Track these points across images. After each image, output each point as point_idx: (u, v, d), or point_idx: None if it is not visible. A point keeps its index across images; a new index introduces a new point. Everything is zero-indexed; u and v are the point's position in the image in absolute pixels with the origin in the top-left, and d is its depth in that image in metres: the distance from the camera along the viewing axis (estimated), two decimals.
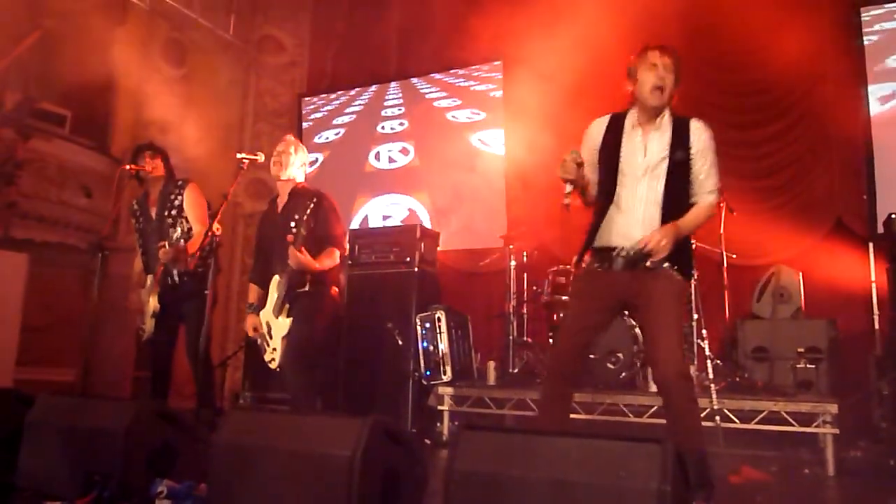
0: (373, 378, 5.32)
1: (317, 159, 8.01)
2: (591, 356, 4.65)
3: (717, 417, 4.14)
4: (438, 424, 5.00)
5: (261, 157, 4.08)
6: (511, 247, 5.69)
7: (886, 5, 5.71)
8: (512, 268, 5.64)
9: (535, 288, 5.65)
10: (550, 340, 5.25)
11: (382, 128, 8.03)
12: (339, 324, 5.30)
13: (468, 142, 7.31)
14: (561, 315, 5.26)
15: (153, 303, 4.25)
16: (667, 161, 2.90)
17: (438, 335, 5.10)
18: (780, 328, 5.06)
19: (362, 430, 2.18)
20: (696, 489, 2.66)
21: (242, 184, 7.59)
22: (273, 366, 3.89)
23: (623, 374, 4.76)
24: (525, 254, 5.77)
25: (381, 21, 7.94)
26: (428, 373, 5.09)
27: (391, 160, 7.87)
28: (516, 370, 5.34)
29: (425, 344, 5.14)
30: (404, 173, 7.71)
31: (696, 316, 4.69)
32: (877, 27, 5.75)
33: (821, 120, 5.67)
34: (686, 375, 2.83)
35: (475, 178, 7.04)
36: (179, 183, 4.42)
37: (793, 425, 4.09)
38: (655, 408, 4.39)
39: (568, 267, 5.39)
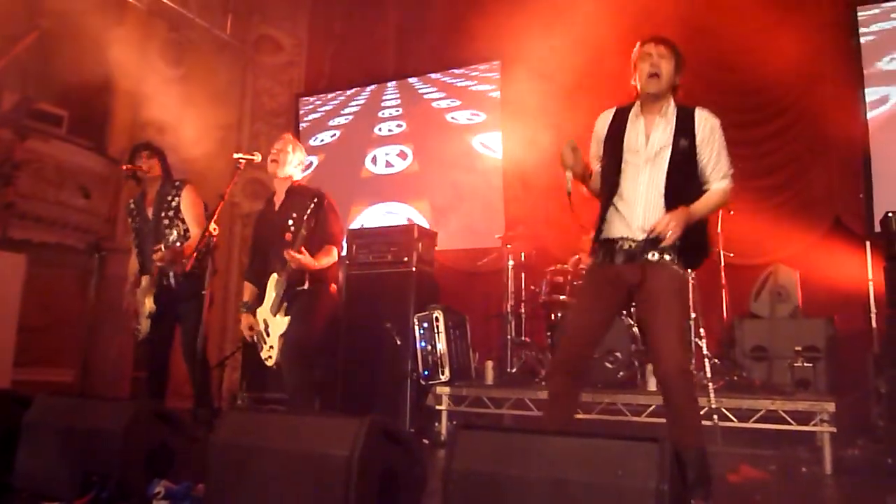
0: (371, 378, 5.32)
1: (311, 163, 7.88)
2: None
3: (715, 416, 4.15)
4: (437, 424, 5.00)
5: (257, 157, 4.07)
6: (509, 246, 5.69)
7: (882, 4, 5.72)
8: (510, 267, 5.65)
9: (532, 287, 5.65)
10: (549, 340, 5.25)
11: (380, 129, 7.92)
12: (338, 323, 5.30)
13: (469, 145, 7.21)
14: (558, 315, 5.27)
15: (149, 303, 4.25)
16: (669, 149, 2.89)
17: (436, 335, 5.10)
18: (778, 327, 5.06)
19: (360, 430, 2.18)
20: (695, 487, 2.66)
21: (240, 184, 7.58)
22: (270, 363, 3.89)
23: (621, 373, 4.76)
24: (523, 254, 5.77)
25: (379, 21, 7.94)
26: (426, 372, 5.09)
27: (388, 164, 7.74)
28: (514, 370, 5.34)
29: (423, 344, 5.14)
30: (403, 180, 7.59)
31: (693, 315, 4.69)
32: (874, 27, 5.76)
33: (818, 119, 5.67)
34: (686, 372, 2.82)
35: (473, 177, 7.03)
36: (177, 184, 4.41)
37: (791, 424, 4.09)
38: (654, 407, 4.39)
39: (566, 266, 5.40)
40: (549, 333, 5.29)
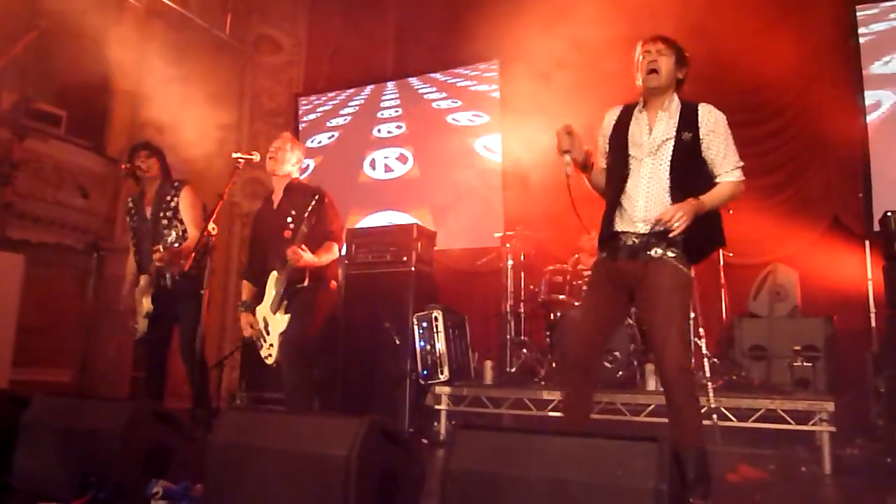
0: (370, 378, 5.32)
1: (308, 166, 7.79)
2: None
3: (714, 416, 4.15)
4: (436, 424, 5.00)
5: (256, 157, 4.07)
6: (508, 246, 5.69)
7: (881, 4, 5.71)
8: (509, 267, 5.64)
9: (532, 287, 5.65)
10: (548, 340, 5.25)
11: (379, 131, 7.81)
12: (338, 321, 5.30)
13: (472, 148, 7.10)
14: (558, 314, 5.27)
15: (146, 303, 4.25)
16: (672, 141, 2.92)
17: (435, 335, 5.10)
18: (776, 326, 5.06)
19: (359, 429, 2.18)
20: (694, 486, 2.67)
21: (239, 183, 7.58)
22: (269, 362, 3.89)
23: (620, 372, 4.76)
24: (522, 253, 5.77)
25: (378, 20, 7.93)
26: (425, 372, 5.09)
27: (388, 169, 7.58)
28: (513, 369, 5.34)
29: (422, 343, 5.14)
30: (402, 186, 7.45)
31: (692, 314, 4.69)
32: (873, 27, 5.75)
33: (817, 118, 5.67)
34: (686, 370, 2.83)
35: (472, 177, 7.02)
36: (176, 184, 4.41)
37: (790, 423, 4.09)
38: (653, 406, 4.40)
39: (565, 266, 5.40)
40: (548, 333, 5.29)
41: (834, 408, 3.99)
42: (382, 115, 7.86)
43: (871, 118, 5.62)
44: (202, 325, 3.86)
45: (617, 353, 4.74)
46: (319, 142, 8.14)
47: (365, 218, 7.51)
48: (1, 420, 2.88)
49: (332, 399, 5.36)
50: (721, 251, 4.96)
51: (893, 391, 4.00)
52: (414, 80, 7.77)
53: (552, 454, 1.99)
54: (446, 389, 5.02)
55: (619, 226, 2.97)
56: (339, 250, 4.14)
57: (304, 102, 8.35)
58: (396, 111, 7.79)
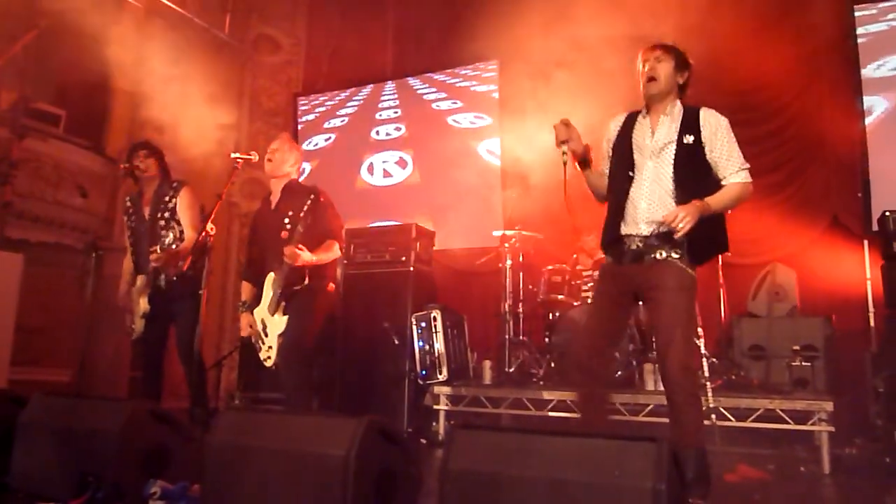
0: (369, 378, 5.32)
1: (304, 170, 7.68)
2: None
3: (713, 416, 4.15)
4: (434, 424, 5.00)
5: (255, 157, 4.07)
6: (507, 246, 5.68)
7: (879, 4, 5.71)
8: (508, 267, 5.64)
9: (531, 287, 5.65)
10: (547, 339, 5.25)
11: (377, 133, 7.68)
12: (336, 322, 5.29)
13: (474, 151, 6.97)
14: (557, 314, 5.28)
15: (143, 303, 4.24)
16: (674, 144, 2.95)
17: (434, 335, 5.10)
18: (775, 326, 5.06)
19: (357, 429, 2.18)
20: (694, 486, 2.67)
21: (237, 184, 7.57)
22: (268, 364, 3.88)
23: (619, 372, 4.76)
24: (521, 253, 5.76)
25: (377, 20, 7.93)
26: (424, 372, 5.09)
27: (386, 174, 7.43)
28: (512, 369, 5.33)
29: (421, 343, 5.14)
30: (402, 193, 7.28)
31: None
32: (869, 28, 5.75)
33: (816, 118, 5.68)
34: (688, 369, 2.83)
35: (471, 176, 7.01)
36: (174, 185, 4.40)
37: (789, 423, 4.09)
38: (651, 406, 4.39)
39: (564, 266, 5.40)
40: (547, 333, 5.30)
41: (833, 407, 3.99)
42: (381, 116, 7.77)
43: (868, 120, 5.62)
44: (200, 326, 3.84)
45: (616, 353, 4.74)
46: (316, 144, 8.05)
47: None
48: None
49: (330, 399, 5.35)
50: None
51: (892, 391, 3.99)
52: (413, 80, 7.72)
53: (551, 454, 1.98)
54: (445, 389, 5.02)
55: (623, 229, 2.99)
56: (340, 249, 4.12)
57: (303, 102, 8.34)
58: (395, 112, 7.70)
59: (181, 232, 4.23)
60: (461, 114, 7.27)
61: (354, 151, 7.72)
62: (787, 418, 4.10)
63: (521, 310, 5.73)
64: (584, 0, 5.50)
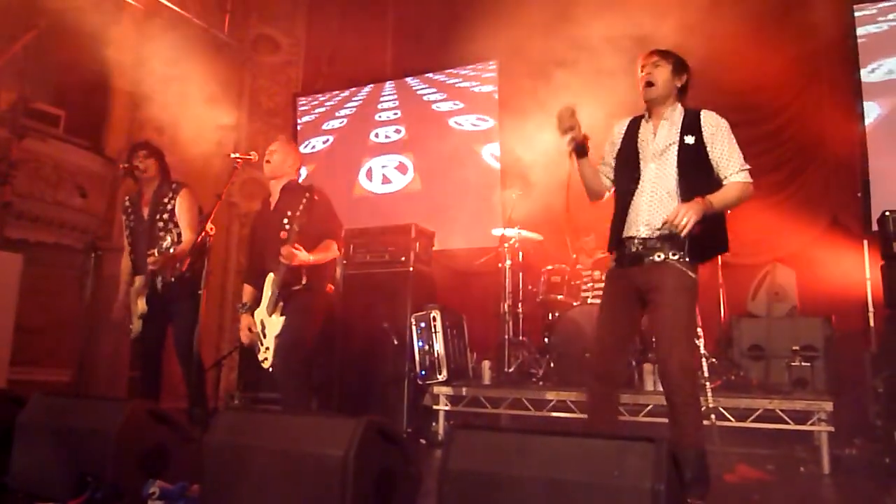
0: (368, 378, 5.32)
1: (301, 174, 7.49)
2: (587, 355, 4.64)
3: (713, 416, 4.14)
4: (434, 424, 4.99)
5: (254, 157, 4.07)
6: (506, 246, 5.68)
7: (879, 4, 5.71)
8: (507, 267, 5.64)
9: (530, 287, 5.65)
10: (546, 340, 5.25)
11: (377, 135, 7.57)
12: (335, 323, 5.29)
13: (478, 155, 6.85)
14: (556, 314, 5.28)
15: (141, 304, 4.25)
16: (676, 145, 3.00)
17: (434, 335, 5.10)
18: (775, 326, 5.06)
19: (356, 430, 2.18)
20: (692, 486, 2.67)
21: (237, 184, 7.56)
22: (266, 365, 3.87)
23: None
24: (521, 253, 5.76)
25: (376, 20, 7.93)
26: (423, 372, 5.08)
27: (386, 180, 7.27)
28: (511, 370, 5.33)
29: (421, 343, 5.13)
30: (403, 200, 7.11)
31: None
32: (869, 29, 5.75)
33: (815, 118, 5.68)
34: (687, 369, 2.86)
35: (471, 176, 7.00)
36: (174, 186, 4.40)
37: (788, 423, 4.09)
38: (651, 406, 4.39)
39: (563, 266, 5.40)
40: (546, 333, 5.29)
41: (832, 408, 3.99)
42: (381, 117, 7.69)
43: (866, 122, 5.62)
44: (200, 326, 3.84)
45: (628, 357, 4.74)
46: (314, 147, 7.95)
47: None
48: None
49: (330, 399, 5.35)
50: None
51: (892, 391, 3.99)
52: (413, 81, 7.69)
53: (550, 454, 1.98)
54: (444, 389, 5.02)
55: (625, 232, 3.05)
56: (339, 249, 4.11)
57: (302, 102, 8.33)
58: (395, 113, 7.62)
59: (179, 234, 4.22)
60: (463, 115, 7.18)
61: (353, 155, 7.60)
62: (786, 418, 4.09)
63: (520, 310, 5.73)
64: (585, 0, 5.50)
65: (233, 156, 4.03)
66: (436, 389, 5.03)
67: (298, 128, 8.21)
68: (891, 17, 5.71)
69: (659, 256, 2.93)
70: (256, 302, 3.97)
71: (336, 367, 5.46)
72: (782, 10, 5.73)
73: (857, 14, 5.75)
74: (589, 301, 5.10)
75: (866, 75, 5.64)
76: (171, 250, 3.92)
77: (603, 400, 3.14)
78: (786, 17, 5.66)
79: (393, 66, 7.91)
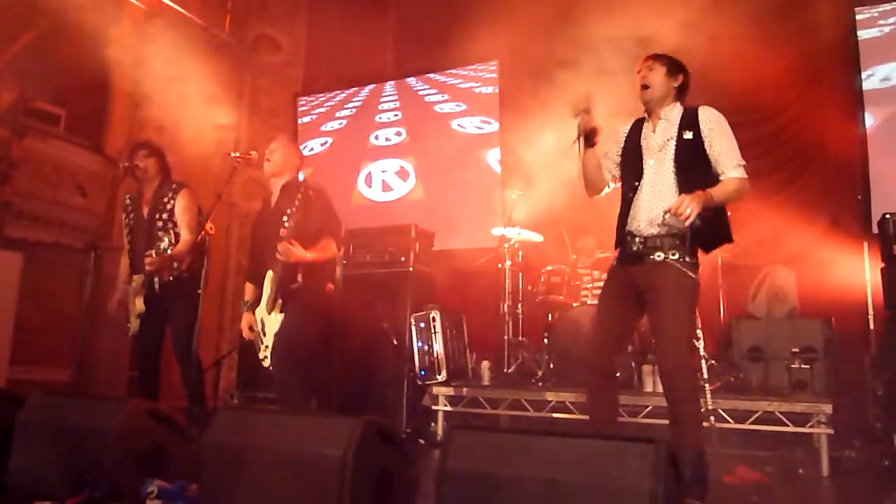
0: (368, 378, 5.31)
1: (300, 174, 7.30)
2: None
3: (712, 417, 4.14)
4: (433, 424, 4.99)
5: (254, 156, 4.07)
6: (506, 246, 5.68)
7: (879, 6, 5.71)
8: (507, 267, 5.63)
9: (529, 288, 5.65)
10: (545, 340, 5.25)
11: (376, 138, 7.44)
12: (334, 322, 5.28)
13: (483, 160, 6.72)
14: (555, 315, 5.28)
15: (139, 303, 4.25)
16: (674, 141, 3.05)
17: (433, 335, 5.09)
18: (775, 328, 5.06)
19: (355, 429, 2.18)
20: (691, 486, 2.68)
21: (237, 184, 7.55)
22: (267, 364, 3.87)
23: (618, 374, 4.74)
24: (520, 253, 5.76)
25: (377, 20, 7.92)
26: (423, 373, 5.08)
27: (386, 187, 7.09)
28: (511, 370, 5.33)
29: (420, 344, 5.13)
30: (404, 211, 6.89)
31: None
32: (863, 35, 5.74)
33: (815, 119, 5.67)
34: (685, 368, 2.88)
35: (471, 177, 6.99)
36: (174, 186, 4.40)
37: (787, 425, 4.09)
38: (650, 408, 4.39)
39: (563, 267, 5.39)
40: (545, 334, 5.29)
41: (832, 410, 3.98)
42: (381, 118, 7.60)
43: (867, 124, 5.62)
44: (199, 326, 3.84)
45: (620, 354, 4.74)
46: (311, 149, 7.87)
47: None
48: None
49: (329, 399, 5.34)
50: (719, 254, 4.96)
51: (891, 393, 3.99)
52: (414, 81, 7.65)
53: (548, 455, 1.99)
54: (444, 390, 5.01)
55: (628, 227, 3.10)
56: (338, 248, 4.10)
57: (302, 102, 8.32)
58: (396, 115, 7.53)
59: (177, 235, 4.22)
60: (465, 117, 7.10)
61: (351, 159, 7.47)
62: (785, 420, 4.09)
63: (520, 310, 5.73)
64: (585, 0, 5.51)
65: (233, 155, 4.03)
66: (435, 390, 5.03)
67: (298, 129, 8.20)
68: (888, 20, 5.70)
69: (659, 256, 2.97)
70: (257, 300, 3.97)
71: (335, 367, 5.45)
72: (783, 12, 5.73)
73: (859, 17, 5.74)
74: (588, 302, 5.10)
75: (861, 82, 5.64)
76: (169, 251, 3.92)
77: (602, 396, 3.17)
78: (786, 18, 5.66)
79: (394, 66, 7.91)
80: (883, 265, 4.14)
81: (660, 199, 3.01)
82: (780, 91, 5.92)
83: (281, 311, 3.81)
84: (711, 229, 2.96)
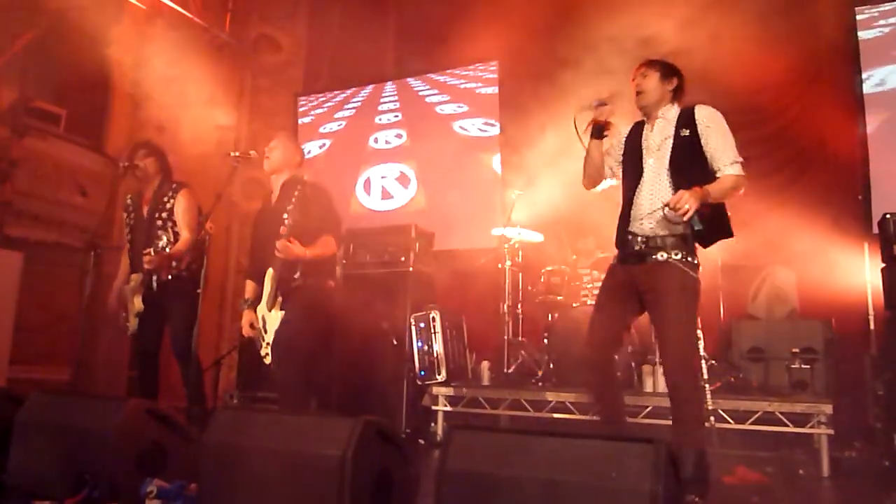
0: (367, 378, 5.30)
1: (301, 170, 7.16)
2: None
3: (712, 418, 4.14)
4: (433, 425, 4.99)
5: (254, 155, 4.06)
6: (506, 246, 5.68)
7: (879, 6, 5.70)
8: (507, 268, 5.63)
9: (529, 288, 5.64)
10: (545, 340, 5.25)
11: (376, 140, 7.34)
12: (335, 320, 5.27)
13: (485, 163, 6.64)
14: (555, 315, 5.27)
15: (137, 302, 4.25)
16: (671, 139, 3.10)
17: (433, 335, 5.09)
18: (775, 328, 5.05)
19: (354, 430, 2.18)
20: (692, 485, 2.69)
21: (237, 183, 7.55)
22: (268, 361, 3.88)
23: (618, 374, 4.74)
24: (520, 254, 5.76)
25: (378, 20, 7.92)
26: (422, 373, 5.08)
27: (386, 195, 6.93)
28: (511, 370, 5.33)
29: (420, 344, 5.12)
30: (405, 220, 6.54)
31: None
32: (872, 31, 5.74)
33: (816, 120, 5.67)
34: (688, 368, 2.91)
35: (470, 177, 6.97)
36: (174, 186, 4.40)
37: (788, 426, 4.08)
38: (650, 408, 4.38)
39: (563, 267, 5.39)
40: (545, 334, 5.29)
41: (832, 410, 3.98)
42: (381, 120, 7.53)
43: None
44: (198, 325, 3.83)
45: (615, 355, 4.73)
46: (309, 152, 7.76)
47: None
48: None
49: (329, 399, 5.33)
50: (720, 254, 4.95)
51: (892, 394, 3.99)
52: (415, 82, 7.61)
53: (548, 455, 1.98)
54: (443, 390, 5.01)
55: (630, 227, 3.14)
56: (337, 244, 4.08)
57: (301, 102, 8.32)
58: (396, 116, 7.46)
59: (176, 234, 4.22)
60: (468, 119, 7.00)
61: (350, 163, 7.33)
62: (786, 421, 4.09)
63: (519, 310, 5.72)
64: (585, 0, 5.51)
65: (232, 154, 4.02)
66: (435, 390, 5.03)
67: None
68: (889, 20, 5.69)
69: (662, 256, 3.00)
70: (258, 298, 3.97)
71: (335, 367, 5.44)
72: (783, 12, 5.72)
73: (860, 16, 5.73)
74: (588, 302, 5.09)
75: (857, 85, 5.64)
76: (168, 249, 3.92)
77: (607, 395, 3.22)
78: (787, 18, 5.65)
79: (394, 66, 7.90)
80: (883, 265, 4.14)
81: (660, 198, 3.04)
82: (780, 91, 5.92)
83: (281, 309, 3.81)
84: (710, 224, 2.98)
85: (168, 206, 4.32)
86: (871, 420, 4.44)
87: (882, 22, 5.71)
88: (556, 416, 4.65)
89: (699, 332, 4.56)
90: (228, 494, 2.31)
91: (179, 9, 7.26)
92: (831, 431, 3.95)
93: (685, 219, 2.84)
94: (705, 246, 3.13)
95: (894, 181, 5.41)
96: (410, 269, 5.38)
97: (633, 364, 4.81)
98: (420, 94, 7.55)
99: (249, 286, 4.13)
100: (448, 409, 4.99)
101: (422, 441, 4.88)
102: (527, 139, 5.99)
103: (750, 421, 4.16)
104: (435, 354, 5.06)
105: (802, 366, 4.48)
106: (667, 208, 2.91)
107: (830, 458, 3.93)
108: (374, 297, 5.40)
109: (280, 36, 8.39)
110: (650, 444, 1.87)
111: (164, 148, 4.64)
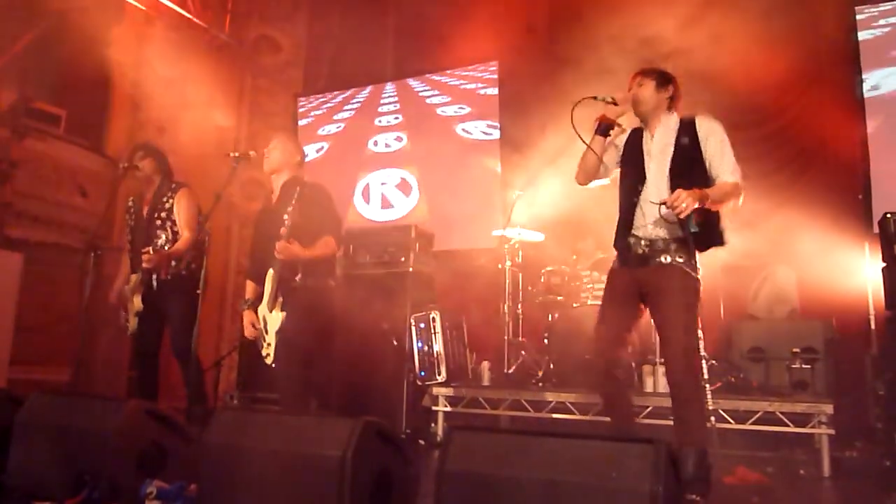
0: (367, 379, 5.30)
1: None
2: (587, 357, 4.63)
3: (713, 418, 4.13)
4: (433, 425, 4.99)
5: (253, 155, 4.06)
6: (506, 247, 5.68)
7: (880, 6, 5.70)
8: (507, 268, 5.63)
9: (530, 288, 5.64)
10: (545, 341, 5.24)
11: (375, 143, 7.27)
12: (336, 320, 5.27)
13: (487, 165, 6.53)
14: (555, 315, 5.27)
15: (137, 302, 4.25)
16: (672, 147, 3.15)
17: (433, 335, 5.09)
18: (775, 328, 5.05)
19: (354, 430, 2.18)
20: (694, 484, 2.69)
21: (237, 184, 7.55)
22: (269, 361, 3.87)
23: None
24: (520, 254, 5.76)
25: (377, 21, 7.92)
26: (423, 373, 5.07)
27: (386, 203, 6.82)
28: (511, 371, 5.32)
29: (420, 344, 5.12)
30: None
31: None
32: (872, 31, 5.73)
33: (817, 119, 5.67)
34: (691, 368, 2.97)
35: (471, 177, 6.97)
36: (174, 186, 4.41)
37: (788, 426, 4.08)
38: (650, 408, 4.38)
39: (563, 267, 5.39)
40: (545, 334, 5.28)
41: (833, 410, 3.97)
42: (381, 121, 7.48)
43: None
44: (198, 325, 3.83)
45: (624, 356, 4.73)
46: (306, 156, 7.72)
47: None
48: None
49: (329, 400, 5.32)
50: (720, 254, 4.94)
51: (893, 393, 3.98)
52: (415, 82, 7.59)
53: (548, 456, 1.98)
54: (444, 390, 5.01)
55: (633, 231, 3.17)
56: (337, 243, 4.08)
57: (301, 103, 8.31)
58: (396, 118, 7.39)
59: (175, 233, 4.23)
60: (470, 121, 6.92)
61: (348, 168, 7.21)
62: (786, 421, 4.08)
63: (520, 311, 5.72)
64: (586, 0, 5.51)
65: (232, 155, 4.02)
66: (435, 390, 5.03)
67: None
68: (889, 20, 5.68)
69: (665, 258, 3.06)
70: (259, 298, 3.97)
71: (335, 367, 5.43)
72: (784, 11, 5.72)
73: (860, 16, 5.73)
74: (589, 302, 5.09)
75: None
76: (167, 248, 3.92)
77: (616, 396, 3.26)
78: (788, 18, 5.65)
79: (394, 66, 7.89)
80: (884, 265, 4.13)
81: (660, 198, 3.06)
82: (781, 91, 5.92)
83: (282, 310, 3.81)
84: (703, 230, 3.00)
85: (167, 205, 4.33)
86: (872, 420, 4.43)
87: (882, 22, 5.71)
88: (556, 416, 4.65)
89: (700, 333, 4.56)
90: (228, 495, 2.31)
91: (179, 10, 7.27)
92: (832, 431, 3.95)
93: (682, 216, 2.86)
94: (699, 251, 3.14)
95: (895, 181, 5.40)
96: (410, 269, 5.38)
97: (632, 364, 4.80)
98: (420, 94, 7.51)
99: (250, 286, 4.12)
100: (448, 409, 4.99)
101: (422, 441, 4.88)
102: (527, 139, 5.99)
103: (750, 421, 4.15)
104: (435, 355, 5.06)
105: (803, 366, 4.47)
106: (664, 206, 2.95)
107: (831, 459, 3.93)
108: (373, 297, 5.39)
109: (280, 37, 8.39)
110: (650, 444, 1.87)
111: (163, 149, 4.65)
